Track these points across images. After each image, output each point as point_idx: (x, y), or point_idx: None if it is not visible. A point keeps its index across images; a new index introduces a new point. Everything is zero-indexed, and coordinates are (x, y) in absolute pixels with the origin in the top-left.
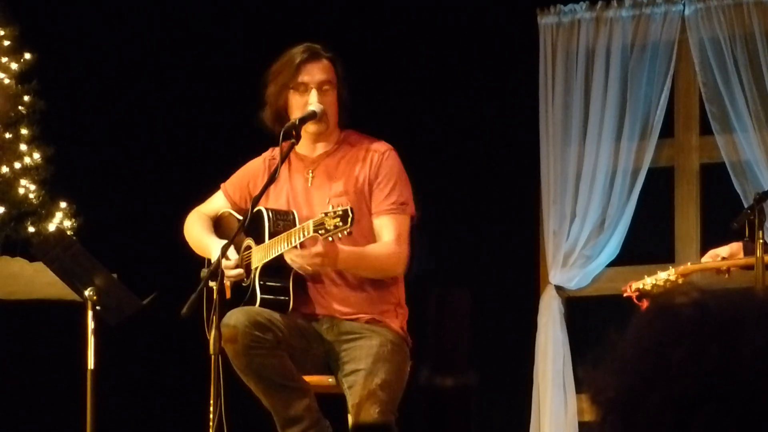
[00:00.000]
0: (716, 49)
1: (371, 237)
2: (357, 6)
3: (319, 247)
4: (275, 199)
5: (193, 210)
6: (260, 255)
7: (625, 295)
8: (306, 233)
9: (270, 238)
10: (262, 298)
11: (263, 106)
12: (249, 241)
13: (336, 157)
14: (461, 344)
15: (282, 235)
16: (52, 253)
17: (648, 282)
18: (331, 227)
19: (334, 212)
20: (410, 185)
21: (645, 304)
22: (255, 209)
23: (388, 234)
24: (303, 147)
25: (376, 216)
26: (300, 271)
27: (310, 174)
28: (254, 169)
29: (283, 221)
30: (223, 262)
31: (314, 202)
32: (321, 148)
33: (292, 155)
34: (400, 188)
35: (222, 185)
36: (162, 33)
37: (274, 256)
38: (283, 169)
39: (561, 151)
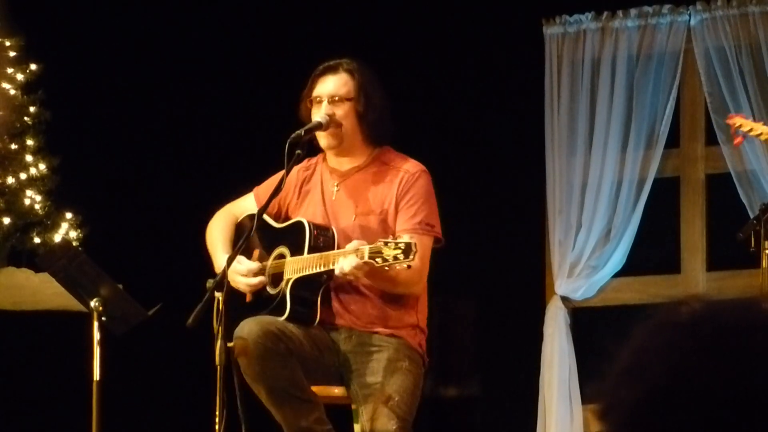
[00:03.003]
0: (722, 59)
1: None
2: (358, 13)
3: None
4: (306, 209)
5: (223, 208)
6: (296, 266)
7: (728, 121)
8: (359, 258)
9: (309, 252)
10: (291, 309)
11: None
12: (283, 250)
13: (366, 173)
14: (466, 354)
15: (329, 253)
16: (57, 264)
17: (752, 126)
18: (390, 258)
19: (396, 243)
20: (437, 209)
21: (737, 140)
22: (296, 219)
23: None
24: (331, 160)
25: (400, 233)
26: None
27: (335, 188)
28: (288, 178)
29: (323, 236)
30: (240, 267)
31: (339, 218)
32: (349, 162)
33: (323, 167)
34: (427, 210)
35: (255, 189)
36: (168, 43)
37: (315, 272)
38: (316, 182)
39: (567, 161)
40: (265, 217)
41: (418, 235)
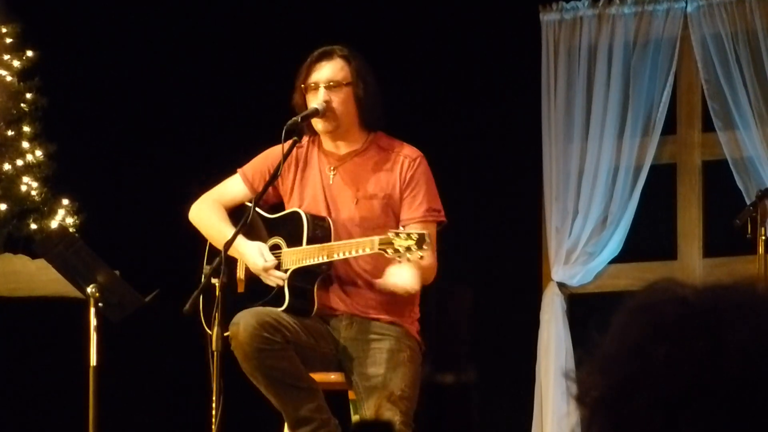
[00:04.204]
0: (718, 46)
1: None
2: (354, 1)
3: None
4: (303, 192)
5: (203, 196)
6: (295, 257)
7: None
8: (368, 249)
9: (308, 243)
10: (290, 300)
11: (293, 111)
12: (277, 240)
13: (364, 157)
14: (462, 341)
15: (332, 244)
16: (54, 251)
17: None
18: (402, 249)
19: (407, 234)
20: (437, 191)
21: None
22: (291, 210)
23: None
24: (327, 144)
25: (408, 222)
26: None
27: (332, 172)
28: (277, 155)
29: (321, 227)
30: (262, 264)
31: (339, 201)
32: (345, 147)
33: (318, 152)
34: (430, 195)
35: (239, 170)
36: (164, 29)
37: (315, 263)
38: (314, 164)
39: (563, 148)
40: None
41: (428, 222)
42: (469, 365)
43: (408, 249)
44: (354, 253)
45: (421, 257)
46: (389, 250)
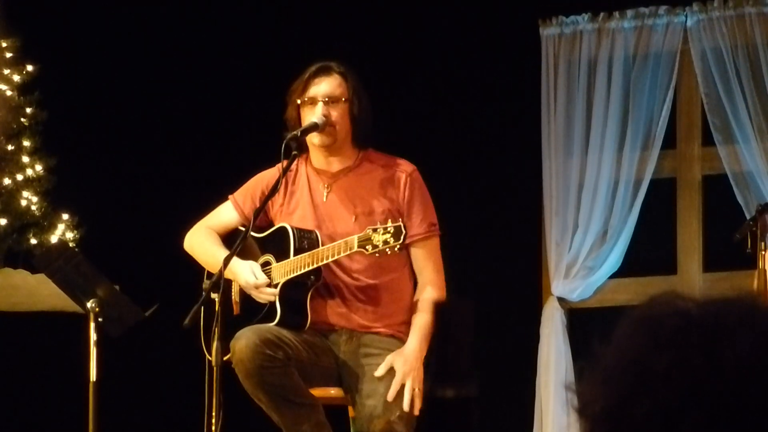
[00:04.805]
0: (718, 60)
1: (393, 260)
2: (354, 13)
3: (408, 371)
4: (291, 213)
5: (197, 224)
6: (284, 270)
7: None
8: (348, 249)
9: (296, 254)
10: (282, 314)
11: (285, 126)
12: (267, 257)
13: (357, 173)
14: (463, 355)
15: (317, 250)
16: (54, 265)
17: None
18: (380, 243)
19: (384, 228)
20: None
21: None
22: (278, 225)
23: (428, 269)
24: (318, 161)
25: (412, 239)
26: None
27: (326, 189)
28: (269, 180)
29: (308, 239)
30: (253, 281)
31: (336, 219)
32: (338, 163)
33: (308, 170)
34: (430, 209)
35: (231, 196)
36: (164, 44)
37: (303, 272)
38: (302, 184)
39: (563, 162)
40: (243, 229)
41: (430, 239)
42: (469, 379)
43: (386, 242)
44: (337, 255)
45: (400, 249)
46: (368, 246)
